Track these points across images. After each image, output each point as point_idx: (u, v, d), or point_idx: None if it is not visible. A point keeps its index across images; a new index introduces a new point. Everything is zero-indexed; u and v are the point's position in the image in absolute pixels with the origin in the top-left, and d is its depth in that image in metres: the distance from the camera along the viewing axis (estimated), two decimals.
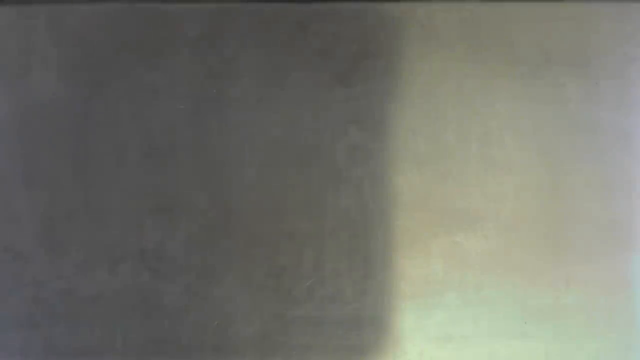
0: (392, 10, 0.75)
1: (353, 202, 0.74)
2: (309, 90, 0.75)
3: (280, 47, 0.75)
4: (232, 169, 0.75)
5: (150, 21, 0.76)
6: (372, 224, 0.74)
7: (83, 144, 0.76)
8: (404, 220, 0.74)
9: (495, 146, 0.74)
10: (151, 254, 0.74)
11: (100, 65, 0.76)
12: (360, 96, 0.74)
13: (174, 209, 0.74)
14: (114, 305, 0.74)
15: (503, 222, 0.74)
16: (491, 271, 0.74)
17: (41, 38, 0.76)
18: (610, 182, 0.74)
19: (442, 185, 0.74)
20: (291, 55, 0.75)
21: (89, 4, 0.76)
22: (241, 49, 0.75)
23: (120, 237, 0.74)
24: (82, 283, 0.74)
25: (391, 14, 0.75)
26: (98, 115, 0.75)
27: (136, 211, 0.75)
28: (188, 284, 0.74)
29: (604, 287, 0.74)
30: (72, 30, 0.76)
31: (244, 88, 0.75)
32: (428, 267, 0.74)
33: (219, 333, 0.75)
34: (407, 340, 0.74)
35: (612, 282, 0.74)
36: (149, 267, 0.74)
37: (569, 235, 0.74)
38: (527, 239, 0.74)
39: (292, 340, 0.74)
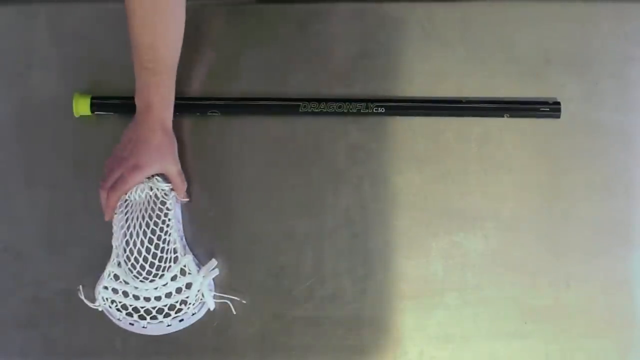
0: (392, 10, 0.75)
1: (353, 202, 0.74)
2: (309, 90, 0.75)
3: (280, 47, 0.75)
4: (232, 169, 0.75)
5: None
6: (372, 224, 0.74)
7: (83, 144, 0.76)
8: (404, 220, 0.74)
9: (495, 146, 0.74)
10: None
11: (100, 65, 0.76)
12: (360, 96, 0.74)
13: None
14: None
15: (503, 222, 0.74)
16: (491, 271, 0.74)
17: (41, 38, 0.76)
18: (610, 182, 0.74)
19: (442, 185, 0.74)
20: (291, 55, 0.75)
21: (89, 4, 0.76)
22: (241, 49, 0.75)
23: None
24: (82, 283, 0.74)
25: (391, 14, 0.75)
26: (99, 115, 0.75)
27: None
28: None
29: (604, 287, 0.74)
30: (72, 30, 0.76)
31: (244, 88, 0.75)
32: (428, 267, 0.74)
33: (219, 333, 0.75)
34: (407, 340, 0.74)
35: (612, 281, 0.74)
36: None
37: (569, 235, 0.74)
38: (527, 239, 0.74)
39: (292, 340, 0.74)
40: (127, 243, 0.71)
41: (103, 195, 0.70)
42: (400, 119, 0.74)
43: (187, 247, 0.74)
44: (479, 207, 0.74)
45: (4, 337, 0.76)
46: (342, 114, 0.73)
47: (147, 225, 0.71)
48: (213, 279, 0.74)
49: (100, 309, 0.73)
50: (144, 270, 0.70)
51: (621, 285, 0.74)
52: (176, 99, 0.74)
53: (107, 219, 0.71)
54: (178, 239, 0.72)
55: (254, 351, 0.74)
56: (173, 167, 0.71)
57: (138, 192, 0.72)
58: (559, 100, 0.74)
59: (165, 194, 0.72)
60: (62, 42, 0.76)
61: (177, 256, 0.72)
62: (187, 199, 0.74)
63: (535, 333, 0.74)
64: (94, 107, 0.74)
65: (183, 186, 0.72)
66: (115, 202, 0.70)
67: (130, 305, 0.73)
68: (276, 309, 0.74)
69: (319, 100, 0.73)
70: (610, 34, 0.75)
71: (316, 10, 0.75)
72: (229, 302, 0.74)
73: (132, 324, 0.73)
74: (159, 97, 0.68)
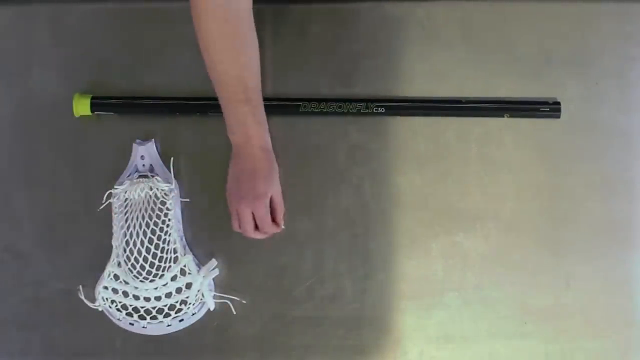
0: (392, 10, 0.75)
1: (353, 202, 0.74)
2: (309, 90, 0.75)
3: (280, 47, 0.75)
4: None
5: (150, 21, 0.76)
6: (372, 224, 0.74)
7: (83, 144, 0.76)
8: (404, 220, 0.74)
9: (495, 146, 0.74)
10: None
11: (100, 65, 0.76)
12: (360, 96, 0.74)
13: None
14: None
15: (503, 222, 0.74)
16: (491, 271, 0.74)
17: (41, 38, 0.76)
18: (610, 182, 0.74)
19: (442, 185, 0.74)
20: (291, 55, 0.75)
21: (89, 4, 0.76)
22: None
23: None
24: (82, 283, 0.74)
25: (391, 14, 0.75)
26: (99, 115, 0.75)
27: None
28: None
29: (604, 287, 0.74)
30: (72, 30, 0.76)
31: None
32: (428, 267, 0.74)
33: (219, 333, 0.75)
34: (407, 340, 0.74)
35: (612, 281, 0.74)
36: None
37: (569, 235, 0.74)
38: (527, 239, 0.74)
39: (292, 340, 0.74)
40: (127, 243, 0.71)
41: (256, 235, 0.69)
42: (400, 119, 0.74)
43: (187, 247, 0.74)
44: (479, 207, 0.74)
45: (4, 337, 0.76)
46: (342, 114, 0.73)
47: (147, 225, 0.71)
48: (213, 279, 0.74)
49: (100, 309, 0.73)
50: (144, 270, 0.70)
51: (621, 285, 0.74)
52: (177, 99, 0.75)
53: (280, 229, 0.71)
54: (178, 239, 0.72)
55: (254, 351, 0.74)
56: (279, 189, 0.70)
57: (138, 192, 0.72)
58: (559, 100, 0.74)
59: (165, 194, 0.72)
60: (62, 42, 0.76)
61: (177, 256, 0.72)
62: (282, 227, 0.72)
63: (535, 333, 0.74)
64: (94, 107, 0.74)
65: (282, 211, 0.71)
66: (272, 229, 0.70)
67: (130, 305, 0.73)
68: (276, 309, 0.74)
69: (319, 100, 0.73)
70: (610, 34, 0.75)
71: (316, 10, 0.75)
72: (229, 302, 0.74)
73: (132, 324, 0.73)
74: (256, 125, 0.67)
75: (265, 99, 0.71)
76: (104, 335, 0.75)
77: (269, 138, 0.69)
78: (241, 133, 0.67)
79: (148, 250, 0.70)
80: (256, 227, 0.69)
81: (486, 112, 0.74)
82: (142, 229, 0.70)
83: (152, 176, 0.73)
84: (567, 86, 0.74)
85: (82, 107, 0.74)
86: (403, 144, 0.75)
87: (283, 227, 0.71)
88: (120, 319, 0.73)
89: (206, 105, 0.73)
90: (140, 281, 0.71)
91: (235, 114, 0.66)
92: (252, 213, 0.68)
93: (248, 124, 0.66)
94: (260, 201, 0.67)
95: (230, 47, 0.64)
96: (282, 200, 0.70)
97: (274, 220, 0.70)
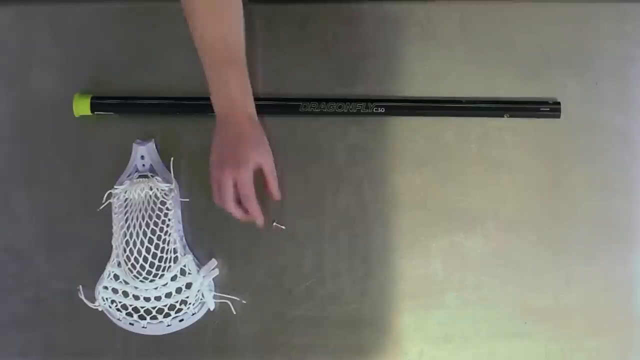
0: (392, 10, 0.75)
1: (353, 202, 0.74)
2: (309, 90, 0.75)
3: (280, 47, 0.75)
4: None
5: (150, 21, 0.76)
6: (372, 224, 0.74)
7: (83, 144, 0.76)
8: (404, 220, 0.74)
9: (495, 146, 0.74)
10: None
11: (100, 65, 0.76)
12: (360, 96, 0.74)
13: None
14: None
15: (503, 222, 0.74)
16: (491, 271, 0.74)
17: (41, 38, 0.76)
18: (609, 181, 0.74)
19: (442, 185, 0.74)
20: (291, 55, 0.75)
21: (89, 4, 0.76)
22: None
23: None
24: (82, 283, 0.74)
25: (391, 14, 0.75)
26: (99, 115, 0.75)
27: None
28: None
29: (604, 287, 0.74)
30: (72, 30, 0.76)
31: None
32: (428, 267, 0.74)
33: (219, 333, 0.75)
34: (407, 340, 0.74)
35: (612, 281, 0.74)
36: None
37: (569, 235, 0.74)
38: (527, 239, 0.74)
39: (292, 340, 0.74)
40: (127, 243, 0.71)
41: (236, 211, 0.67)
42: (400, 119, 0.75)
43: (187, 247, 0.74)
44: (479, 207, 0.74)
45: (4, 337, 0.76)
46: (342, 114, 0.73)
47: (147, 225, 0.71)
48: (213, 279, 0.74)
49: (100, 309, 0.73)
50: (144, 270, 0.70)
51: (621, 285, 0.74)
52: (177, 99, 0.75)
53: (261, 224, 0.70)
54: (178, 239, 0.72)
55: (254, 351, 0.74)
56: (268, 159, 0.68)
57: (138, 192, 0.72)
58: (559, 100, 0.74)
59: (165, 194, 0.72)
60: (62, 42, 0.76)
61: (177, 256, 0.72)
62: (278, 198, 0.71)
63: (535, 333, 0.74)
64: (94, 107, 0.74)
65: (275, 181, 0.69)
66: (257, 208, 0.68)
67: (130, 305, 0.73)
68: (276, 309, 0.74)
69: (319, 100, 0.73)
70: (610, 34, 0.75)
71: (316, 10, 0.75)
72: (229, 302, 0.74)
73: (132, 324, 0.73)
74: (240, 89, 0.66)
75: (264, 99, 0.71)
76: (104, 335, 0.75)
77: (254, 109, 0.68)
78: (225, 96, 0.66)
79: (148, 250, 0.70)
80: (239, 204, 0.67)
81: (486, 112, 0.74)
82: (142, 229, 0.70)
83: (152, 176, 0.73)
84: (567, 86, 0.74)
85: (82, 107, 0.74)
86: (403, 144, 0.75)
87: (280, 227, 0.71)
88: (120, 319, 0.73)
89: (206, 105, 0.73)
90: (140, 281, 0.71)
91: (219, 76, 0.65)
92: (236, 184, 0.66)
93: (231, 87, 0.65)
94: (243, 167, 0.65)
95: (214, 8, 0.65)
96: (274, 170, 0.69)
97: (265, 201, 0.68)
